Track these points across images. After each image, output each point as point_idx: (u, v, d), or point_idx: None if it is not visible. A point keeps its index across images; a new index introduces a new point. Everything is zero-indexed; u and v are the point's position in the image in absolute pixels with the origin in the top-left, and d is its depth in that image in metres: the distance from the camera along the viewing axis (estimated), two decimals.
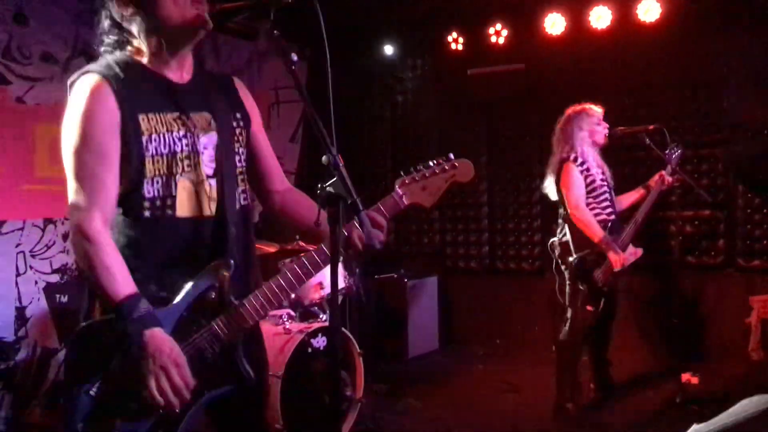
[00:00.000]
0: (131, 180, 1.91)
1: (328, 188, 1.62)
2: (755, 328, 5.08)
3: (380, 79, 7.47)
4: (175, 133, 1.96)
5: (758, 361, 5.05)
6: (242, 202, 2.12)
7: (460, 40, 6.79)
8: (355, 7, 6.01)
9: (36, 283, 4.83)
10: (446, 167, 2.10)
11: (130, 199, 1.93)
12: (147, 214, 1.93)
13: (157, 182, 1.93)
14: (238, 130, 2.13)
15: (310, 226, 2.16)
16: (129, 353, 1.83)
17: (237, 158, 2.11)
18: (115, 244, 1.89)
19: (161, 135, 1.94)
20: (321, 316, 4.64)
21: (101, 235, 1.85)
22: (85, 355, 1.89)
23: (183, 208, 1.98)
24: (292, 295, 4.40)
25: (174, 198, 1.95)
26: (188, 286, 1.96)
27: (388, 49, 7.23)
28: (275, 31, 1.77)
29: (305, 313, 4.73)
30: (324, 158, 1.64)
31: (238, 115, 2.16)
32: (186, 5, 1.92)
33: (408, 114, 7.47)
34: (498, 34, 6.57)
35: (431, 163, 2.11)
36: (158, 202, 1.94)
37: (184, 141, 1.98)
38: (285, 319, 4.30)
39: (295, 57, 1.74)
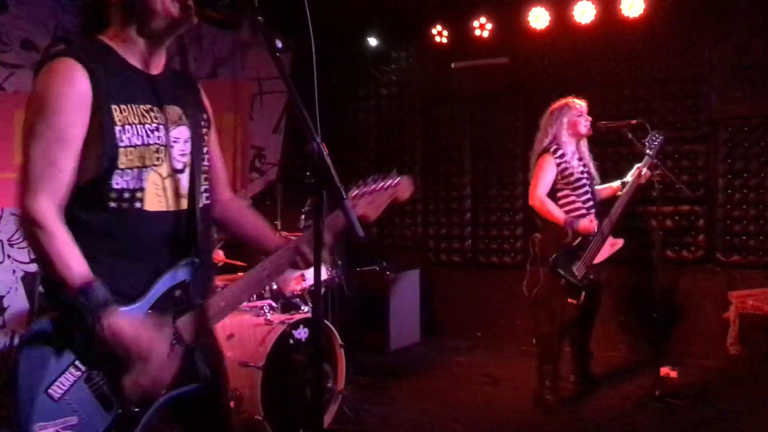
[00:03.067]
0: (100, 170, 1.84)
1: (311, 177, 1.61)
2: (734, 323, 5.13)
3: (365, 71, 7.44)
4: (148, 125, 1.91)
5: (736, 356, 5.10)
6: (206, 201, 2.09)
7: (445, 33, 6.78)
8: None
9: (14, 272, 4.78)
10: (391, 183, 2.20)
11: (94, 189, 1.85)
12: (113, 205, 1.86)
13: (128, 174, 1.86)
14: (204, 130, 2.12)
15: (249, 239, 2.29)
16: (98, 342, 1.77)
17: (204, 156, 2.10)
18: (68, 232, 1.81)
19: (134, 126, 1.87)
20: (302, 308, 4.63)
21: (50, 219, 1.77)
22: (46, 352, 1.78)
23: (151, 201, 1.92)
24: (253, 297, 4.41)
25: (143, 191, 1.89)
26: (156, 283, 1.92)
27: (373, 41, 7.22)
28: (259, 18, 1.74)
29: (287, 304, 4.71)
30: (308, 146, 1.61)
31: (204, 116, 2.15)
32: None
33: (392, 106, 7.47)
34: (482, 27, 6.58)
35: (377, 178, 2.20)
36: (126, 194, 1.87)
37: (156, 133, 1.93)
38: (266, 310, 4.28)
39: (279, 44, 1.71)
